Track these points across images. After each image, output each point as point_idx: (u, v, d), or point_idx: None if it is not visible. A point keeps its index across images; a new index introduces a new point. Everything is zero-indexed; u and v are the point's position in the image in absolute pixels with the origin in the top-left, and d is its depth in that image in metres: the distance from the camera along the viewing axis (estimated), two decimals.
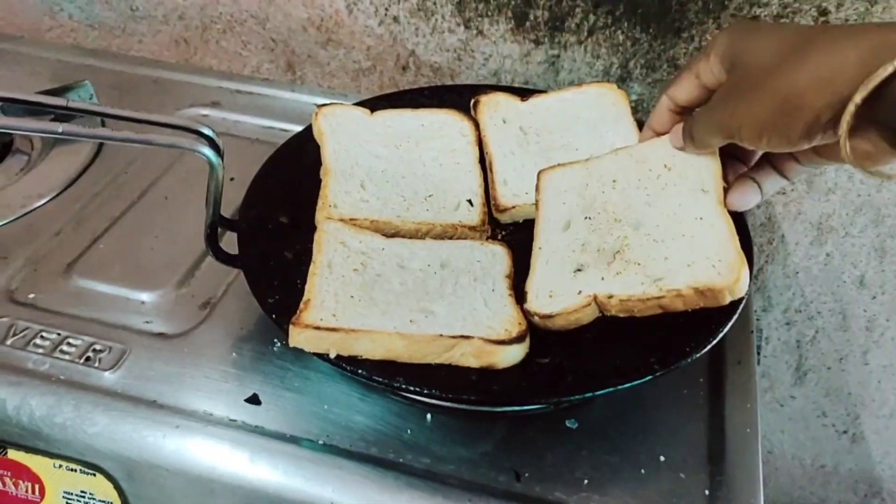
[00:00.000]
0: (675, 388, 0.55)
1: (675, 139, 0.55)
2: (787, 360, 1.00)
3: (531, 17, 0.82)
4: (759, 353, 0.99)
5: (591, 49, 0.82)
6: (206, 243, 0.55)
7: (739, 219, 0.54)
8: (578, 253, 0.54)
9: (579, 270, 0.52)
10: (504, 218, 0.63)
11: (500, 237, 0.62)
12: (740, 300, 0.49)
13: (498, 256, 0.57)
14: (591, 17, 0.80)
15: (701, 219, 0.52)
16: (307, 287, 0.52)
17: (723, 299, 0.49)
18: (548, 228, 0.56)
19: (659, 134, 0.57)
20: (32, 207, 0.68)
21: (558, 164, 0.61)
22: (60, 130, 0.46)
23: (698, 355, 0.49)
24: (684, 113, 0.55)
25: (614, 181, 0.57)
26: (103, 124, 0.74)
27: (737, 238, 0.51)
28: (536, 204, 0.58)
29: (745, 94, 0.45)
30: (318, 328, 0.48)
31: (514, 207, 0.63)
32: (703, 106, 0.51)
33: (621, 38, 0.81)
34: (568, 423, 0.53)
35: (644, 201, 0.55)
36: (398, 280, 0.54)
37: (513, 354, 0.49)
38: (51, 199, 0.69)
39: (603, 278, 0.51)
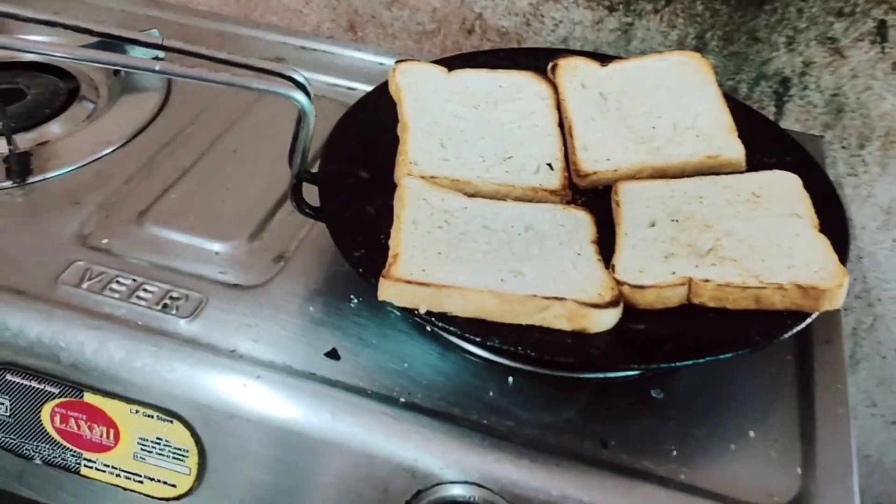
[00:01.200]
0: (763, 365, 0.54)
1: None
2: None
3: None
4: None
5: (668, 18, 0.80)
6: (291, 195, 0.54)
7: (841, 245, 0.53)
8: (668, 245, 0.53)
9: (669, 257, 0.51)
10: (584, 184, 0.61)
11: (579, 202, 0.60)
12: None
13: (582, 221, 0.56)
14: None
15: (798, 235, 0.52)
16: (393, 242, 0.51)
17: (821, 304, 0.48)
18: (632, 223, 0.55)
19: None
20: (101, 154, 0.67)
21: (636, 179, 0.59)
22: (157, 68, 0.45)
23: (801, 327, 0.48)
24: None
25: (701, 197, 0.56)
26: None
27: (836, 256, 0.50)
28: (615, 203, 0.57)
29: None
30: (409, 282, 0.47)
31: (594, 174, 0.61)
32: None
33: (700, 7, 0.78)
34: (653, 393, 0.52)
35: (734, 216, 0.54)
36: (484, 240, 0.52)
37: (606, 319, 0.47)
38: (119, 147, 0.68)
39: (697, 266, 0.50)
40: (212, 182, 0.65)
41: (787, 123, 0.83)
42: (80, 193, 0.63)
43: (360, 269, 0.50)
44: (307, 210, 0.55)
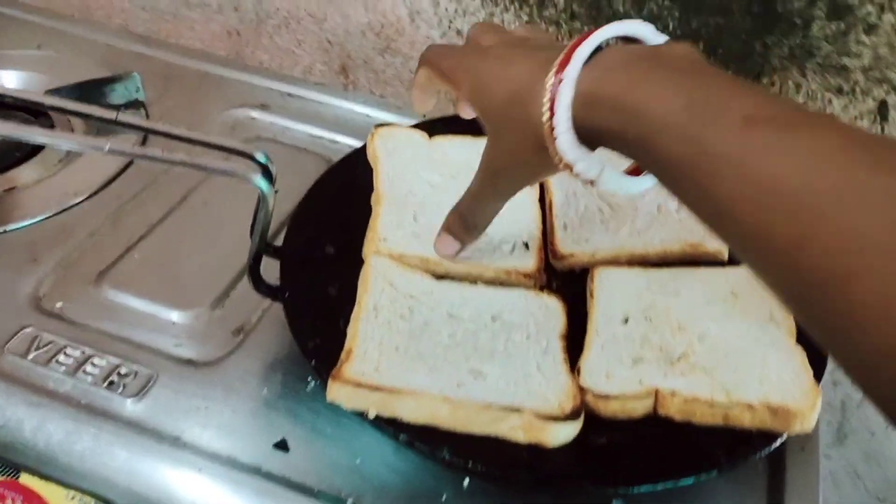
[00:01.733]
0: (732, 472, 0.51)
1: (448, 248, 0.54)
2: (828, 419, 0.95)
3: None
4: None
5: None
6: (248, 275, 0.52)
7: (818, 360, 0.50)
8: (638, 346, 0.50)
9: (638, 362, 0.49)
10: (561, 265, 0.59)
11: (554, 286, 0.58)
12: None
13: (552, 311, 0.54)
14: None
15: (773, 345, 0.49)
16: (350, 333, 0.49)
17: (792, 426, 0.46)
18: (603, 318, 0.53)
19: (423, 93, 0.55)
20: (69, 205, 0.65)
21: (613, 264, 0.57)
22: (107, 149, 0.43)
23: (769, 450, 0.45)
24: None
25: (678, 293, 0.54)
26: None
27: (811, 371, 0.48)
28: (590, 293, 0.55)
29: (503, 153, 0.47)
30: (359, 384, 0.44)
31: (572, 255, 0.59)
32: (469, 189, 0.51)
33: None
34: (615, 502, 0.49)
35: (710, 317, 0.52)
36: (447, 331, 0.50)
37: (565, 432, 0.45)
38: (88, 197, 0.66)
39: (666, 375, 0.48)
40: (178, 240, 0.63)
41: None
42: (41, 248, 0.61)
43: (313, 361, 0.48)
44: (264, 289, 0.53)
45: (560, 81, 0.40)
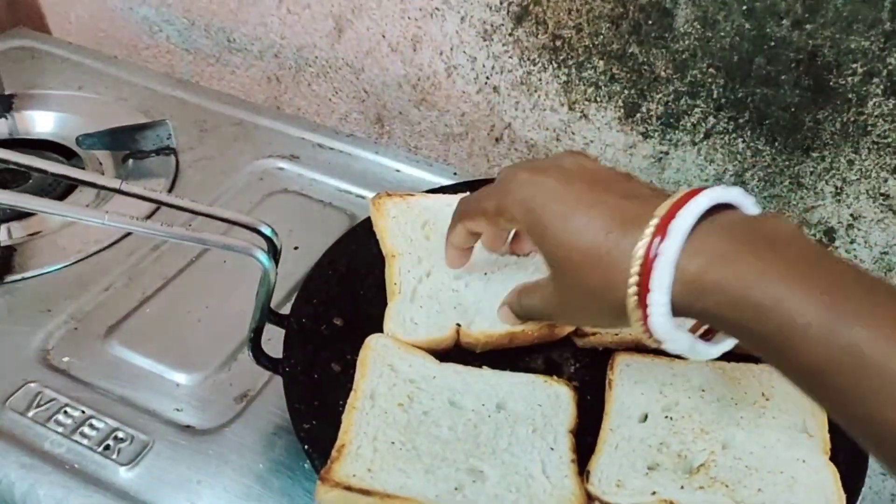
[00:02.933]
0: None
1: (510, 321, 0.51)
2: None
3: (643, 110, 0.74)
4: None
5: (706, 152, 0.74)
6: (248, 347, 0.50)
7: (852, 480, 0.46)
8: (655, 451, 0.47)
9: (653, 469, 0.45)
10: (582, 342, 0.56)
11: (572, 369, 0.55)
12: None
13: (562, 401, 0.50)
14: (711, 120, 0.72)
15: (803, 461, 0.45)
16: (343, 425, 0.46)
17: None
18: (621, 414, 0.49)
19: (463, 250, 0.53)
20: (89, 253, 0.65)
21: (636, 352, 0.54)
22: (106, 221, 0.42)
23: None
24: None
25: (703, 391, 0.50)
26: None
27: (844, 496, 0.44)
28: (609, 383, 0.51)
29: (573, 304, 0.44)
30: (349, 488, 0.42)
31: (594, 333, 0.56)
32: (531, 298, 0.48)
33: (741, 146, 0.72)
34: None
35: (736, 422, 0.48)
36: (447, 423, 0.48)
37: None
38: (108, 247, 0.66)
39: (682, 487, 0.44)
40: (190, 298, 0.62)
41: None
42: (55, 299, 0.61)
43: (307, 447, 0.46)
44: (265, 363, 0.51)
45: (657, 256, 0.37)
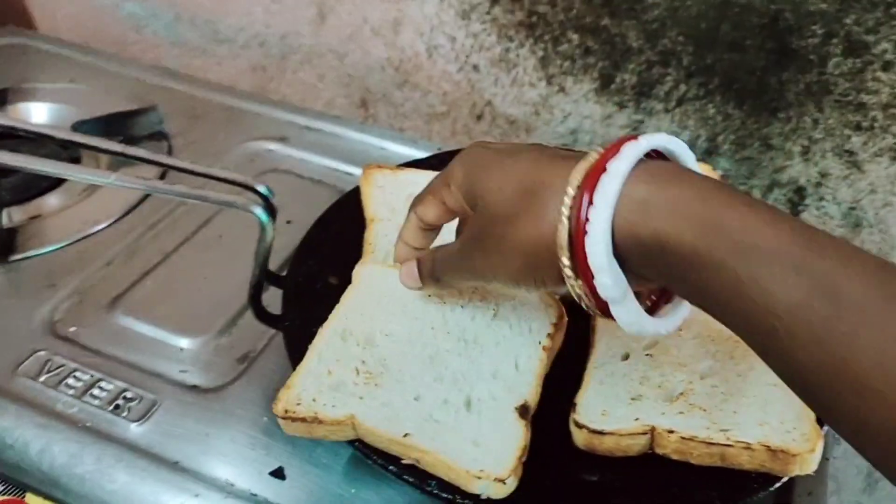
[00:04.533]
0: None
1: (411, 280, 0.48)
2: (857, 463, 0.92)
3: (617, 80, 0.78)
4: (826, 458, 0.92)
5: (679, 119, 0.78)
6: (250, 302, 0.53)
7: None
8: (637, 384, 0.50)
9: (636, 399, 0.48)
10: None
11: None
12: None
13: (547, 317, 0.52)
14: (682, 87, 0.75)
15: (775, 385, 0.48)
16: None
17: (791, 469, 0.44)
18: (604, 354, 0.52)
19: (414, 248, 0.49)
20: (88, 233, 0.67)
21: None
22: (112, 179, 0.44)
23: (767, 492, 0.44)
24: (434, 230, 0.48)
25: (681, 329, 0.53)
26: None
27: (813, 414, 0.46)
28: (592, 328, 0.54)
29: (494, 247, 0.40)
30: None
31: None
32: (449, 248, 0.45)
33: (712, 111, 0.76)
34: None
35: (712, 355, 0.51)
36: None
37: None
38: (108, 226, 0.68)
39: (664, 413, 0.47)
40: (190, 270, 0.65)
41: None
42: (59, 275, 0.63)
43: None
44: (265, 318, 0.53)
45: (602, 171, 0.34)
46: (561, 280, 0.37)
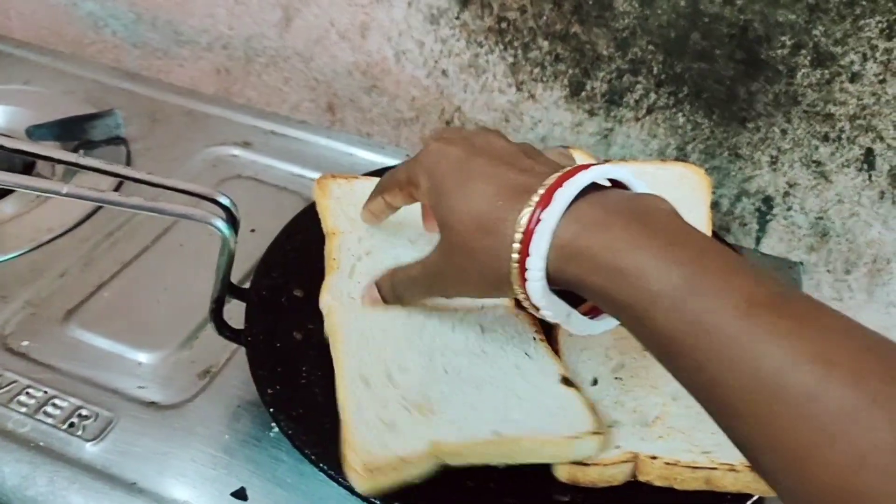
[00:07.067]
0: None
1: (373, 303, 0.51)
2: None
3: (588, 88, 0.77)
4: None
5: (648, 127, 0.77)
6: (211, 317, 0.51)
7: None
8: (611, 409, 0.49)
9: (613, 426, 0.47)
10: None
11: None
12: None
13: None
14: (652, 96, 0.75)
15: None
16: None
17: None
18: (572, 378, 0.51)
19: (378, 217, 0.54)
20: (42, 241, 0.65)
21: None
22: (64, 192, 0.42)
23: None
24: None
25: (646, 350, 0.52)
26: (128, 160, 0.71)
27: None
28: (557, 352, 0.53)
29: (456, 276, 0.44)
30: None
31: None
32: (409, 272, 0.48)
33: (681, 120, 0.75)
34: None
35: None
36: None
37: None
38: (62, 234, 0.66)
39: (643, 438, 0.46)
40: (149, 281, 0.63)
41: (771, 243, 0.79)
42: (10, 286, 0.61)
43: (271, 409, 0.47)
44: (227, 333, 0.52)
45: (538, 222, 0.38)
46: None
